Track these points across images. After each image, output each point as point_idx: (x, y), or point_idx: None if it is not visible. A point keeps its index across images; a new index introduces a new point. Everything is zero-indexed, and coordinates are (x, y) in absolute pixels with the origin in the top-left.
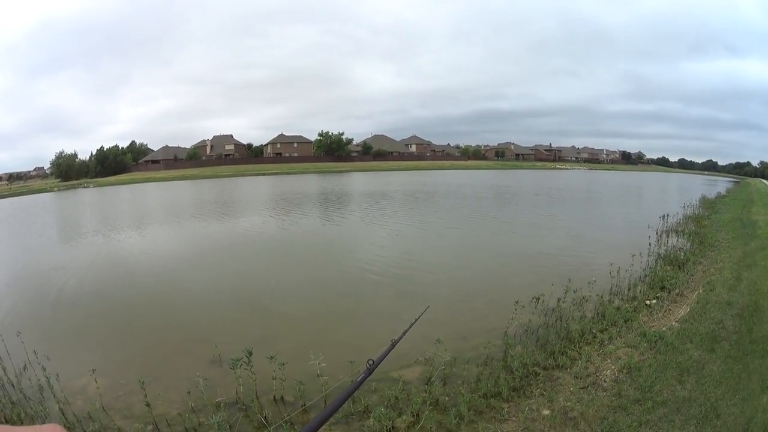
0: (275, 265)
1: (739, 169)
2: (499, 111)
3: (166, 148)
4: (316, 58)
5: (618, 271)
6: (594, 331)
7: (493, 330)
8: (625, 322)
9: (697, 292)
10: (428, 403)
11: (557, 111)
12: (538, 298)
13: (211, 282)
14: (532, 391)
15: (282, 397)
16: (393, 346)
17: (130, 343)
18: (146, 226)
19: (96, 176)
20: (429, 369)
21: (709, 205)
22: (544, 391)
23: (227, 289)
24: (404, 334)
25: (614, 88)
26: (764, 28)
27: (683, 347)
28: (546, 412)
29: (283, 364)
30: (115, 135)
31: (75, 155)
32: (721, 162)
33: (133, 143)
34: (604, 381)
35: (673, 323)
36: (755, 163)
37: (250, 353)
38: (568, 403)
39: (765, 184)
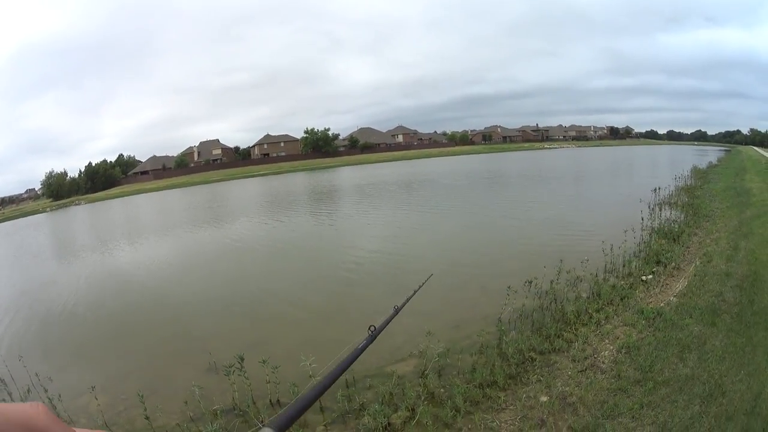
0: (266, 269)
1: (729, 138)
2: (481, 95)
3: (154, 158)
4: (295, 56)
5: (611, 248)
6: (590, 311)
7: (487, 317)
8: (622, 299)
9: (694, 265)
10: (423, 397)
11: (540, 91)
12: (531, 282)
13: (204, 290)
14: (529, 378)
15: (278, 400)
16: (396, 312)
17: (128, 357)
18: (137, 239)
19: (87, 192)
20: (423, 362)
21: (701, 175)
22: (541, 376)
23: (220, 296)
24: (408, 300)
25: (594, 64)
26: None
27: (683, 323)
28: (544, 398)
29: (276, 368)
30: (103, 150)
31: (65, 174)
32: (711, 132)
33: (120, 156)
34: (603, 363)
35: (671, 298)
36: (745, 130)
37: (242, 359)
38: (567, 388)
39: (757, 151)
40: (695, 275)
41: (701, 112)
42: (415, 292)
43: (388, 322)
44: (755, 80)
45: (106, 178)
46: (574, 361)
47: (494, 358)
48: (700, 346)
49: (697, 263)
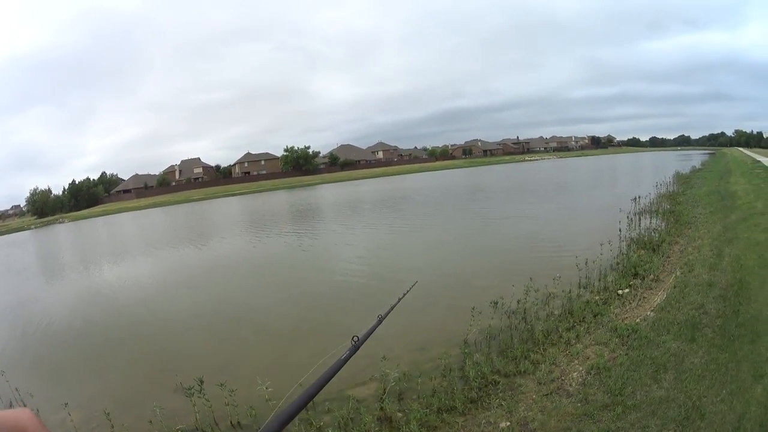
0: (239, 289)
1: (714, 141)
2: (461, 109)
3: (136, 177)
4: (273, 74)
5: (586, 262)
6: (560, 330)
7: (453, 338)
8: (595, 316)
9: (674, 275)
10: (382, 421)
11: (519, 103)
12: (496, 303)
13: (181, 310)
14: (490, 402)
15: (239, 422)
16: (380, 321)
17: (105, 374)
18: (118, 260)
19: (70, 210)
20: (384, 385)
21: (683, 180)
22: (503, 401)
23: (196, 315)
24: (392, 309)
25: (574, 75)
26: None
27: (659, 339)
28: (504, 424)
29: (233, 391)
30: (86, 167)
31: (49, 191)
32: (694, 135)
33: (103, 174)
34: (570, 385)
35: (648, 313)
36: (729, 132)
37: (201, 382)
38: (529, 413)
39: (741, 152)
40: (675, 287)
41: (684, 116)
42: (399, 299)
43: (371, 331)
44: (738, 81)
45: (89, 196)
46: (540, 383)
47: (455, 382)
48: (678, 365)
49: (678, 274)
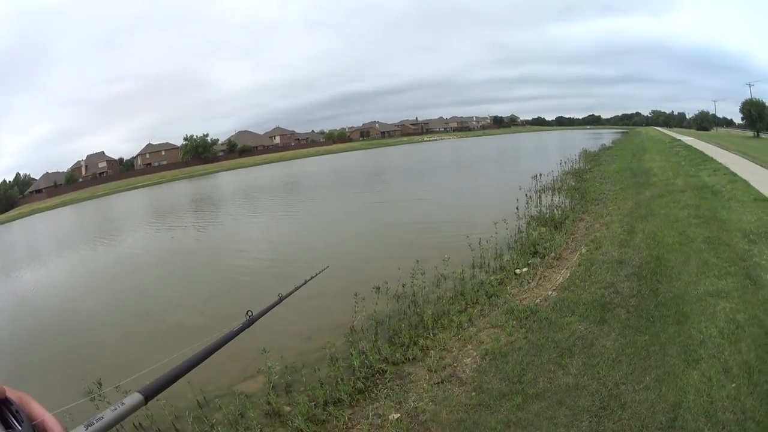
0: (141, 284)
1: (627, 120)
2: (359, 92)
3: (46, 176)
4: (176, 63)
5: (480, 242)
6: (451, 313)
7: (341, 326)
8: (489, 298)
9: (578, 253)
10: (270, 416)
11: (419, 85)
12: (379, 288)
13: (91, 312)
14: (377, 393)
15: (140, 424)
16: (280, 300)
17: (19, 383)
18: (28, 266)
19: None
20: (269, 378)
21: (591, 158)
22: (392, 391)
23: (102, 315)
24: (296, 289)
25: (477, 57)
26: None
27: (563, 321)
28: (395, 415)
29: (127, 393)
30: (3, 169)
31: None
32: (606, 115)
33: (17, 175)
34: (464, 372)
35: (550, 293)
36: (646, 113)
37: (100, 384)
38: (420, 404)
39: (659, 131)
40: (580, 265)
41: (595, 97)
42: (305, 282)
43: (269, 309)
44: (659, 65)
45: (6, 200)
46: (431, 371)
47: (340, 373)
48: (586, 349)
49: (583, 251)
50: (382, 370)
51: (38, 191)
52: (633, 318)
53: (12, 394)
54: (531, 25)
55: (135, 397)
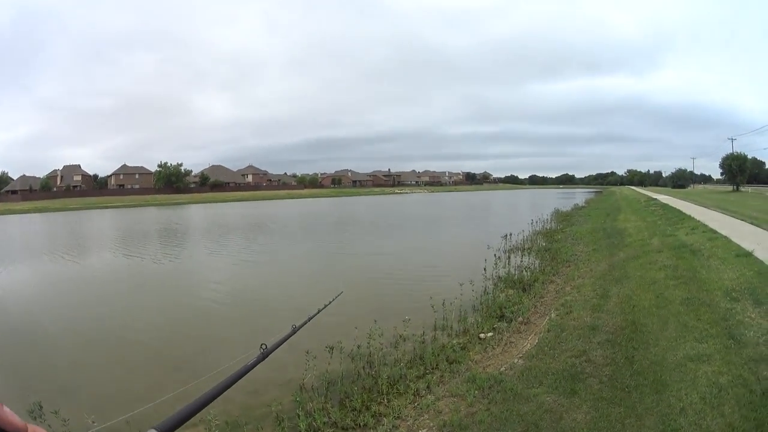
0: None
1: (602, 180)
2: (334, 138)
3: (23, 178)
4: (157, 86)
5: (443, 303)
6: (408, 378)
7: (289, 382)
8: (450, 364)
9: (547, 318)
10: None
11: (396, 136)
12: (332, 348)
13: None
14: None
15: None
16: (294, 332)
17: None
18: None
19: None
20: None
21: (563, 218)
22: None
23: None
24: (309, 319)
25: (455, 112)
26: (636, 45)
27: (529, 392)
28: None
29: (66, 421)
30: None
31: None
32: (579, 174)
33: None
34: None
35: (516, 360)
36: (621, 172)
37: (41, 406)
38: None
39: (634, 190)
40: (549, 330)
41: (570, 156)
42: (319, 311)
43: (283, 341)
44: (637, 123)
45: None
46: None
47: None
48: (554, 423)
49: (553, 316)
50: None
51: (14, 192)
52: (606, 388)
53: None
54: (511, 82)
55: None
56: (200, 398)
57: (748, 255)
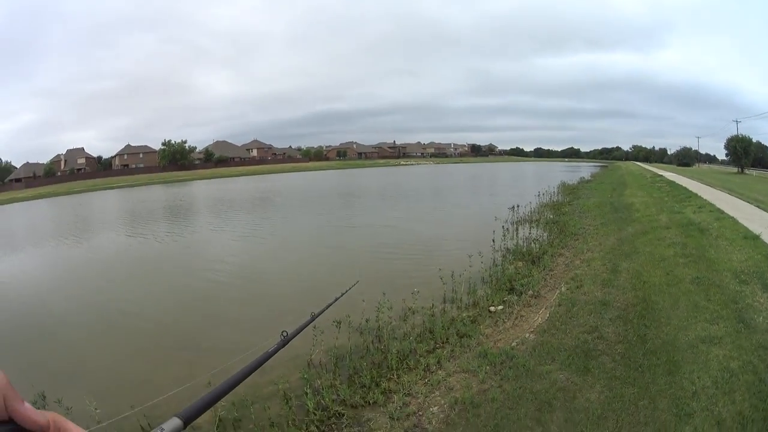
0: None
1: (606, 154)
2: (338, 112)
3: (27, 165)
4: (159, 66)
5: (452, 275)
6: (418, 353)
7: (296, 358)
8: (461, 338)
9: (558, 291)
10: None
11: (399, 109)
12: (339, 322)
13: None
14: None
15: None
16: (313, 319)
17: None
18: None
19: None
20: (216, 413)
21: (569, 191)
22: None
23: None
24: (328, 307)
25: (459, 84)
26: (637, 22)
27: (542, 369)
28: None
29: (69, 408)
30: None
31: None
32: (585, 149)
33: None
34: (429, 423)
35: (527, 335)
36: (626, 147)
37: (44, 397)
38: None
39: (639, 165)
40: (560, 305)
41: (575, 130)
42: (336, 299)
43: (302, 328)
44: (642, 100)
45: None
46: (393, 419)
47: (292, 413)
48: (568, 403)
49: (563, 289)
50: (339, 414)
51: (18, 180)
52: (620, 367)
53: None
54: (514, 55)
55: (174, 422)
56: (222, 385)
57: (756, 238)
